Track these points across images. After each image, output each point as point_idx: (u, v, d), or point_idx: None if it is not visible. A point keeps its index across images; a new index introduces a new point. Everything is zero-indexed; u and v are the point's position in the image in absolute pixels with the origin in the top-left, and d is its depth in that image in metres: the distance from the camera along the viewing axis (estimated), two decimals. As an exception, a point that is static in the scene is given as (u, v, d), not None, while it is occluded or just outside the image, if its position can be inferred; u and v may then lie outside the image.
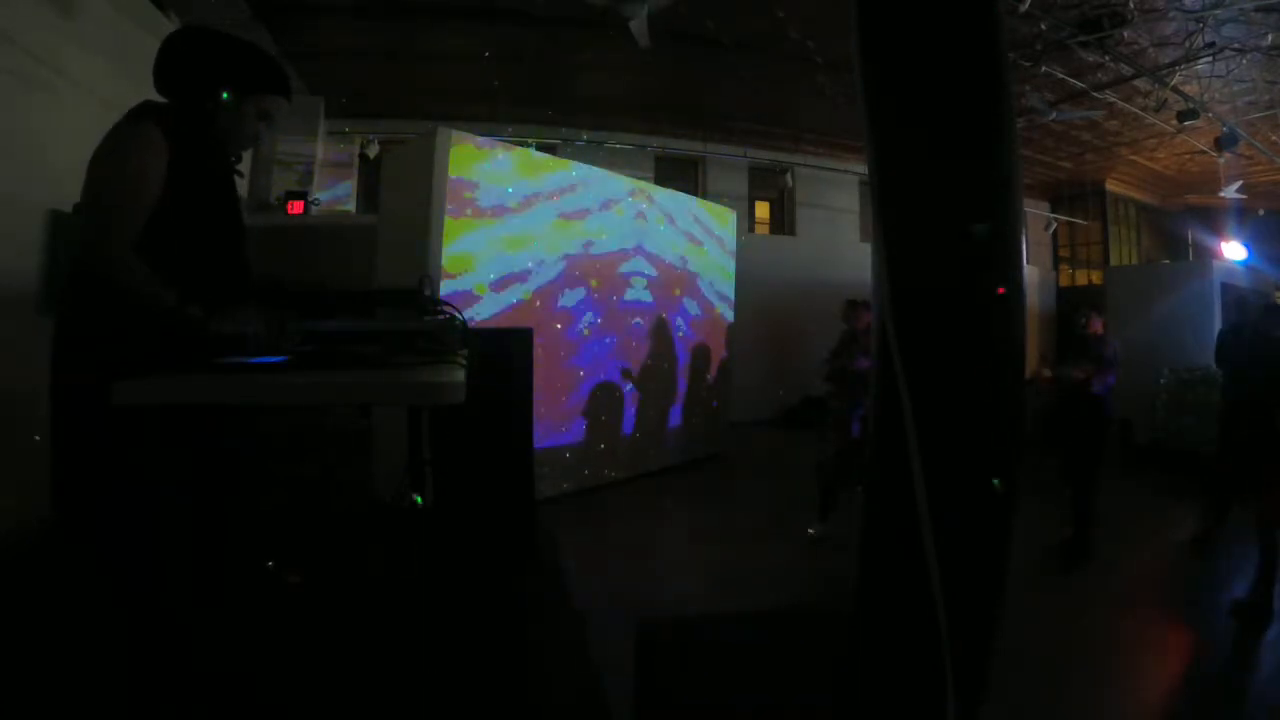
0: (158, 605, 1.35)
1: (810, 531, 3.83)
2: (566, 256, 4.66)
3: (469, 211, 4.03)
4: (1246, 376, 3.75)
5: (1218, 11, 5.43)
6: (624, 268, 5.13)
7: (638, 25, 4.90)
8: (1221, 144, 7.35)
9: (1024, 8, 5.01)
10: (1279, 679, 2.44)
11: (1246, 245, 9.78)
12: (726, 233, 6.47)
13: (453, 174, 3.93)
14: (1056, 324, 10.46)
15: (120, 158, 1.38)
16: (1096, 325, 3.90)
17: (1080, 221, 11.74)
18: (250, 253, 1.66)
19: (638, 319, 5.27)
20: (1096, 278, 11.15)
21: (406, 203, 4.12)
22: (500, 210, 4.23)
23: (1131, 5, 5.39)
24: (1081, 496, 3.70)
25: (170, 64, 1.51)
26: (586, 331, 4.82)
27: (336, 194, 8.04)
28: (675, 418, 5.65)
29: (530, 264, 4.40)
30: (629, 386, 5.14)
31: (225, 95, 1.51)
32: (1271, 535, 2.93)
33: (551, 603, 2.81)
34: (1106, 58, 6.28)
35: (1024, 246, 7.30)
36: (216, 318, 1.38)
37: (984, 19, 1.14)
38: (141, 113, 1.44)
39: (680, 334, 5.70)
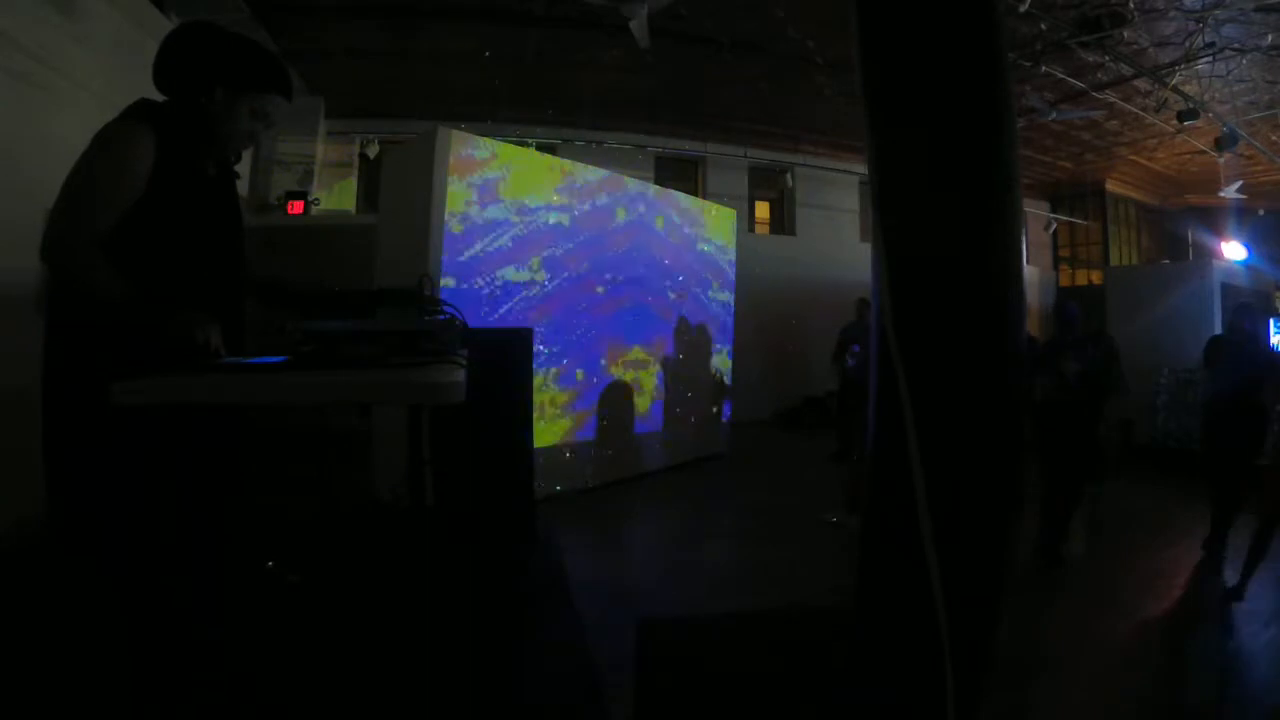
0: (157, 606, 1.35)
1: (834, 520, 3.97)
2: (566, 257, 4.66)
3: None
4: (1231, 379, 3.66)
5: (1218, 11, 5.43)
6: (623, 268, 5.13)
7: (638, 25, 4.91)
8: (1221, 144, 7.35)
9: (1024, 8, 5.01)
10: (1276, 677, 2.44)
11: (1246, 245, 9.80)
12: (726, 232, 6.47)
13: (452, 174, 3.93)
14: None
15: (101, 155, 1.37)
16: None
17: (1080, 221, 11.75)
18: (250, 253, 1.65)
19: (637, 320, 5.27)
20: (1096, 278, 11.15)
21: (406, 203, 4.12)
22: (498, 208, 4.23)
23: (1131, 5, 5.39)
24: (1064, 503, 3.63)
25: (168, 60, 1.50)
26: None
27: (336, 194, 8.04)
28: (676, 418, 5.65)
29: (530, 265, 4.39)
30: (630, 386, 5.13)
31: (221, 93, 1.49)
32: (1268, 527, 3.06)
33: (551, 602, 2.81)
34: (1106, 58, 6.28)
35: (1024, 246, 7.30)
36: (171, 321, 1.35)
37: (984, 19, 1.14)
38: (133, 111, 1.43)
39: (680, 334, 5.70)
